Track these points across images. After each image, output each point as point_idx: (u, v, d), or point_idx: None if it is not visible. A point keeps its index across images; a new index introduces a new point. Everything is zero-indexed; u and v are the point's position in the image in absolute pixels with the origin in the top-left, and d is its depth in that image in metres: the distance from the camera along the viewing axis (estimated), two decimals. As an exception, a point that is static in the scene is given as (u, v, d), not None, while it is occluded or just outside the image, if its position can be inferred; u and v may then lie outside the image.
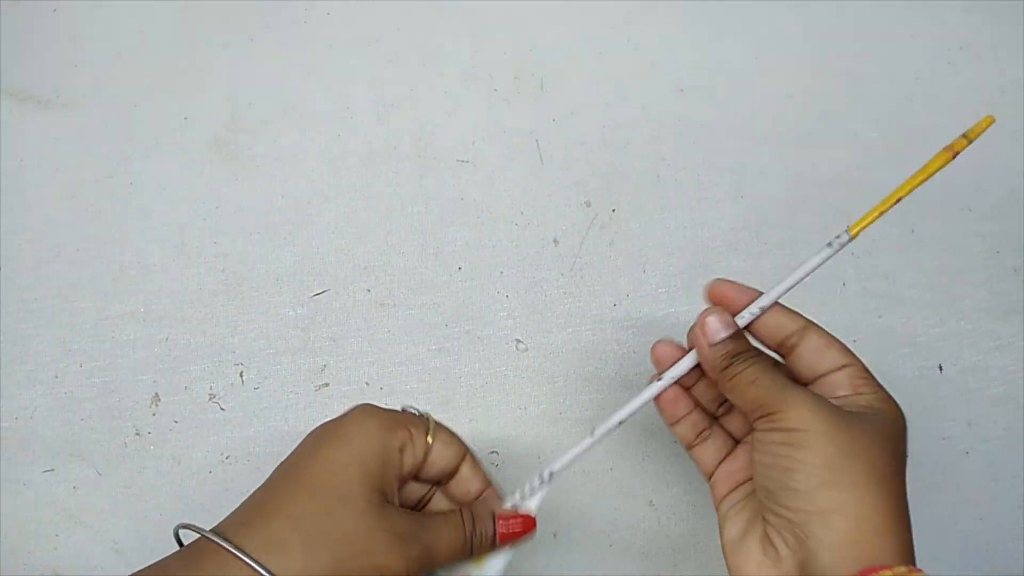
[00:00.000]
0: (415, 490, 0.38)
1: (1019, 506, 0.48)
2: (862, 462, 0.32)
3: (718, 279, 0.37)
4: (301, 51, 0.48)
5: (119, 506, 0.44)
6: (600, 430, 0.37)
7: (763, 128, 0.49)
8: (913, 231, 0.49)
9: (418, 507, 0.39)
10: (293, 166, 0.47)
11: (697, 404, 0.38)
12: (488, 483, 0.38)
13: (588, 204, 0.48)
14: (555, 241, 0.48)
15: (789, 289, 0.36)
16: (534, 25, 0.49)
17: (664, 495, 0.46)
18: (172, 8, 0.48)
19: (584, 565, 0.45)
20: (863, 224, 0.36)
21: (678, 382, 0.37)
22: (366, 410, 0.36)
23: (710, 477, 0.38)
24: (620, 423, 0.37)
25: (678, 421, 0.38)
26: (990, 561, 0.47)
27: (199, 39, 0.48)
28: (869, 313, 0.48)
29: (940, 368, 0.48)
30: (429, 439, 0.36)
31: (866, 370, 0.36)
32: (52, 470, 0.44)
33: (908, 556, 0.31)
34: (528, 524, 0.37)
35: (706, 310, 0.36)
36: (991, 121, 0.34)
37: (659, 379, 0.37)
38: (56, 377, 0.45)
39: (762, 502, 0.34)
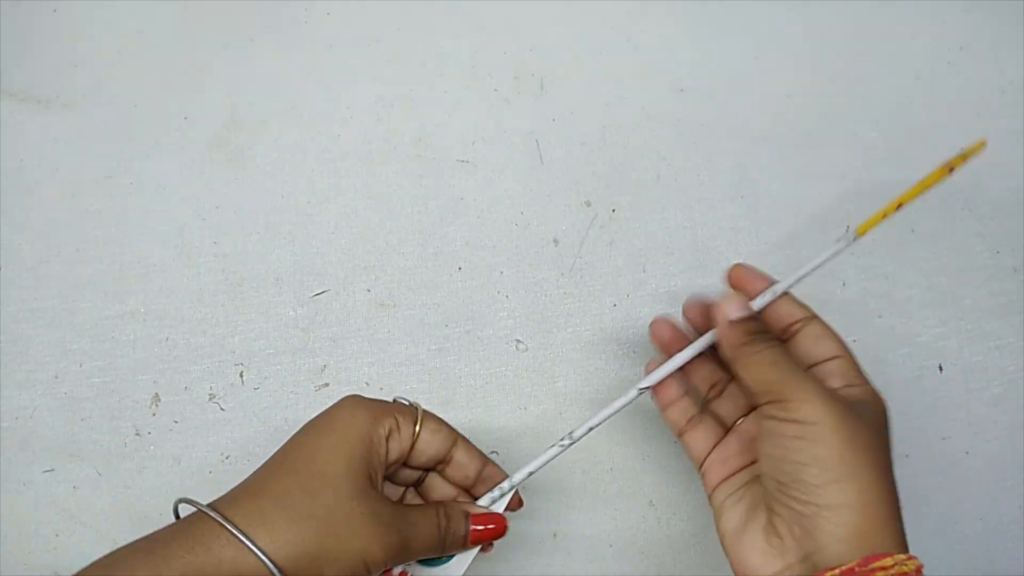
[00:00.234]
0: (409, 475, 0.39)
1: (1019, 506, 0.48)
2: (867, 456, 0.33)
3: (737, 264, 0.39)
4: (301, 51, 0.48)
5: (119, 506, 0.44)
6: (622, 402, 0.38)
7: (763, 128, 0.49)
8: (913, 231, 0.49)
9: (416, 485, 0.40)
10: (293, 166, 0.47)
11: (687, 391, 0.40)
12: (486, 462, 0.39)
13: (588, 204, 0.48)
14: (555, 241, 0.48)
15: (803, 278, 0.38)
16: (534, 25, 0.49)
17: (664, 495, 0.46)
18: (172, 8, 0.48)
19: (584, 565, 0.45)
20: (870, 223, 0.38)
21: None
22: (354, 399, 0.37)
23: (700, 465, 0.39)
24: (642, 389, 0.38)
25: (670, 406, 0.40)
26: (990, 561, 0.47)
27: (199, 39, 0.48)
28: (869, 313, 0.48)
29: (940, 368, 0.48)
30: (417, 428, 0.37)
31: (856, 363, 0.37)
32: (52, 470, 0.44)
33: (904, 544, 0.33)
34: (500, 526, 0.38)
35: (726, 292, 0.37)
36: (983, 144, 0.37)
37: (657, 368, 0.39)
38: (56, 377, 0.45)
39: (770, 493, 0.34)
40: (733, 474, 0.38)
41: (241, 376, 0.45)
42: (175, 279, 0.46)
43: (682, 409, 0.40)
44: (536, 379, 0.46)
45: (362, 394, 0.38)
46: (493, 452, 0.46)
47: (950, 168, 0.37)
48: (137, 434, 0.45)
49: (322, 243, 0.47)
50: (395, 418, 0.37)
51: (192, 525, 0.33)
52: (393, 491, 0.40)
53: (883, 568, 0.31)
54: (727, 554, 0.36)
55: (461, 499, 0.39)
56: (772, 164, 0.49)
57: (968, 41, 0.51)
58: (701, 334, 0.39)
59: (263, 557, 0.31)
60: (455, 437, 0.39)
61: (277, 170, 0.47)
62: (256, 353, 0.45)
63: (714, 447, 0.39)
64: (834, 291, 0.48)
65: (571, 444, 0.38)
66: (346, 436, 0.35)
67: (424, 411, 0.38)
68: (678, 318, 0.40)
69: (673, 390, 0.39)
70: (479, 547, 0.38)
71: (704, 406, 0.40)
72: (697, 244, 0.48)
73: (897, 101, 0.50)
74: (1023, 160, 0.50)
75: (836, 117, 0.50)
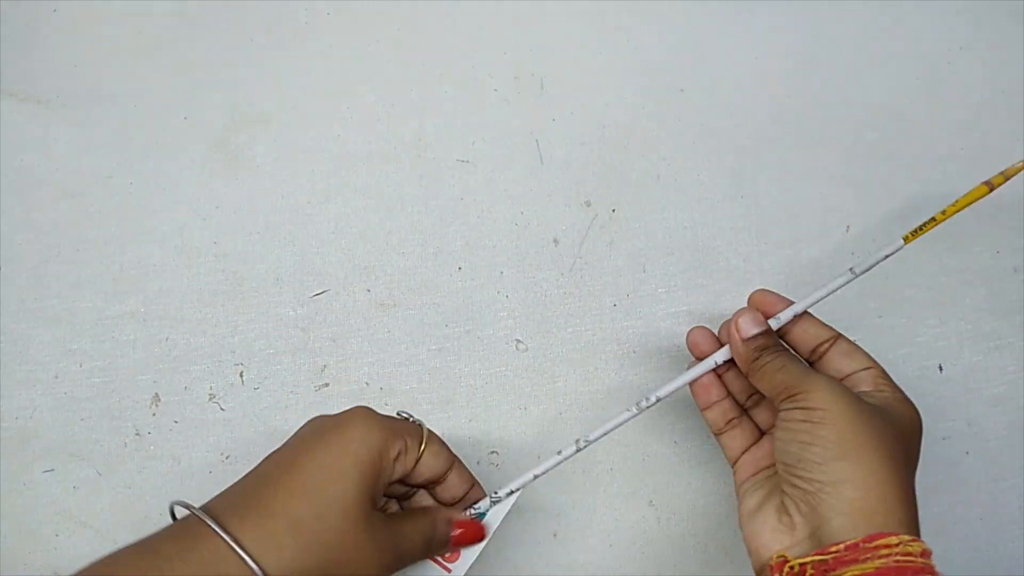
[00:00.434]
0: (398, 488, 0.40)
1: (1019, 506, 0.48)
2: (873, 441, 0.34)
3: (760, 289, 0.41)
4: (301, 51, 0.48)
5: (119, 506, 0.44)
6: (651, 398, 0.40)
7: (763, 128, 0.49)
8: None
9: (402, 499, 0.40)
10: (293, 166, 0.47)
11: (729, 394, 0.41)
12: (472, 483, 0.40)
13: (588, 204, 0.48)
14: (555, 241, 0.48)
15: (819, 300, 0.40)
16: (534, 25, 0.49)
17: (664, 495, 0.46)
18: (172, 8, 0.48)
19: (584, 565, 0.45)
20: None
21: (713, 370, 0.41)
22: (367, 414, 0.37)
23: (735, 463, 0.41)
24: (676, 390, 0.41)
25: (710, 407, 0.41)
26: (990, 561, 0.47)
27: (199, 39, 0.48)
28: (869, 313, 0.48)
29: (940, 368, 0.48)
30: (421, 448, 0.38)
31: (887, 374, 0.39)
32: (52, 470, 0.44)
33: (913, 530, 0.33)
34: (478, 533, 0.39)
35: (739, 310, 0.39)
36: None
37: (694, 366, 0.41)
38: (56, 377, 0.45)
39: (781, 475, 0.36)
40: (759, 471, 0.40)
41: (241, 376, 0.45)
42: (175, 279, 0.46)
43: (722, 411, 0.41)
44: (536, 379, 0.46)
45: (372, 403, 0.38)
46: (493, 452, 0.46)
47: (990, 187, 0.39)
48: (137, 434, 0.45)
49: (322, 243, 0.47)
50: (405, 440, 0.37)
51: (195, 536, 0.32)
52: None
53: (887, 546, 0.32)
54: (743, 534, 0.37)
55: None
56: (772, 164, 0.49)
57: (968, 41, 0.51)
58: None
59: None
60: (453, 459, 0.39)
61: (277, 170, 0.47)
62: (256, 353, 0.45)
63: (748, 448, 0.41)
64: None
65: (581, 449, 0.40)
66: (359, 457, 0.35)
67: (428, 432, 0.38)
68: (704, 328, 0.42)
69: (713, 392, 0.41)
70: (482, 546, 0.39)
71: (743, 412, 0.42)
72: (697, 244, 0.48)
73: (897, 101, 0.50)
74: (1023, 160, 0.50)
75: (836, 117, 0.50)
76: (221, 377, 0.45)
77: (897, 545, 0.32)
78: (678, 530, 0.46)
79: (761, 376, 0.38)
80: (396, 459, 0.36)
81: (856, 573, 0.31)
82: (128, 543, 0.33)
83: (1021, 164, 0.39)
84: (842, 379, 0.39)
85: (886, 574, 0.31)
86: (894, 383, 0.38)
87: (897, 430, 0.36)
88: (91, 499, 0.44)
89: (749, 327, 0.39)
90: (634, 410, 0.40)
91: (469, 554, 0.39)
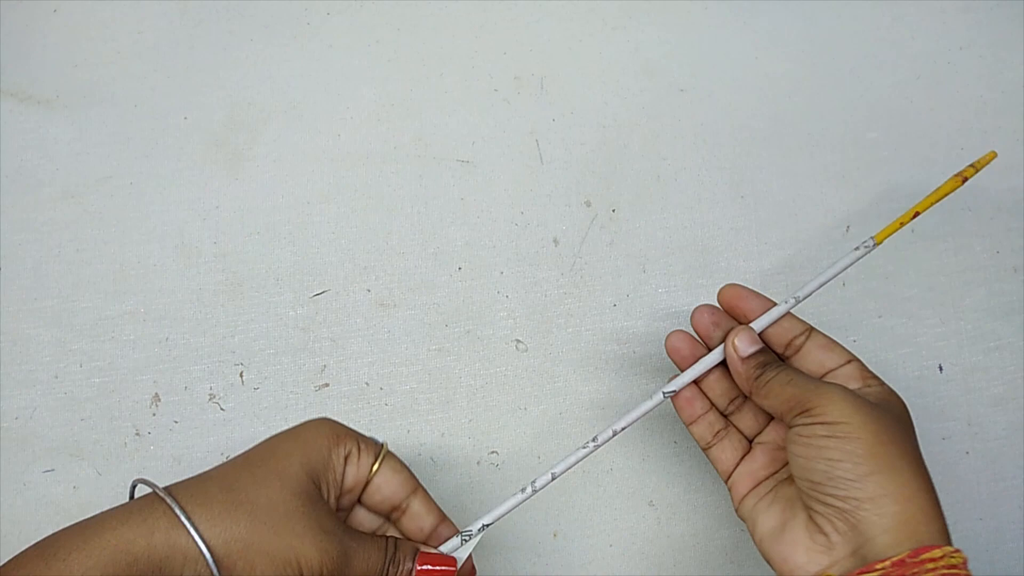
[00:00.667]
0: (366, 520, 0.39)
1: (1019, 506, 0.48)
2: (898, 448, 0.34)
3: (729, 284, 0.40)
4: (301, 51, 0.48)
5: (119, 506, 0.44)
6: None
7: (763, 128, 0.49)
8: (913, 231, 0.49)
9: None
10: (293, 166, 0.47)
11: (712, 406, 0.40)
12: (442, 519, 0.39)
13: (588, 204, 0.48)
14: (555, 241, 0.48)
15: (807, 296, 0.39)
16: (534, 25, 0.49)
17: (664, 495, 0.46)
18: (172, 8, 0.48)
19: (584, 565, 0.45)
20: (887, 232, 0.40)
21: (695, 381, 0.40)
22: (323, 418, 0.38)
23: (728, 478, 0.40)
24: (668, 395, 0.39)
25: (695, 421, 0.40)
26: (990, 561, 0.47)
27: (199, 39, 0.48)
28: (869, 313, 0.48)
29: (940, 368, 0.48)
30: (377, 463, 0.37)
31: (865, 366, 0.38)
32: (52, 470, 0.44)
33: (948, 538, 0.33)
34: (448, 569, 0.37)
35: (733, 330, 0.38)
36: (994, 155, 0.39)
37: (673, 382, 0.40)
38: (56, 377, 0.45)
39: (806, 493, 0.35)
40: (758, 483, 0.39)
41: (241, 376, 0.45)
42: (175, 279, 0.46)
43: (708, 424, 0.40)
44: (536, 379, 0.46)
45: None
46: (493, 452, 0.46)
47: (963, 178, 0.39)
48: (137, 434, 0.45)
49: (322, 243, 0.47)
50: (357, 444, 0.37)
51: (137, 502, 0.34)
52: None
53: (932, 560, 0.31)
54: (767, 557, 0.36)
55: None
56: (772, 164, 0.49)
57: (968, 41, 0.51)
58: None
59: (193, 532, 0.32)
60: (415, 485, 0.38)
61: (277, 170, 0.47)
62: (256, 353, 0.45)
63: (740, 460, 0.40)
64: (834, 291, 0.48)
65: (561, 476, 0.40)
66: (306, 444, 0.36)
67: (388, 451, 0.38)
68: (688, 329, 0.41)
69: (697, 406, 0.40)
70: (475, 542, 0.38)
71: (728, 422, 0.41)
72: (697, 244, 0.48)
73: (897, 101, 0.50)
74: (1023, 160, 0.50)
75: (836, 117, 0.50)
76: (221, 377, 0.45)
77: (941, 558, 0.31)
78: (678, 530, 0.46)
79: (767, 392, 0.37)
80: (347, 459, 0.37)
81: None
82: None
83: (991, 154, 0.39)
84: (825, 374, 0.38)
85: None
86: (872, 372, 0.38)
87: (905, 427, 0.35)
88: (91, 499, 0.44)
89: (746, 346, 0.38)
90: (594, 444, 0.39)
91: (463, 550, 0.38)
